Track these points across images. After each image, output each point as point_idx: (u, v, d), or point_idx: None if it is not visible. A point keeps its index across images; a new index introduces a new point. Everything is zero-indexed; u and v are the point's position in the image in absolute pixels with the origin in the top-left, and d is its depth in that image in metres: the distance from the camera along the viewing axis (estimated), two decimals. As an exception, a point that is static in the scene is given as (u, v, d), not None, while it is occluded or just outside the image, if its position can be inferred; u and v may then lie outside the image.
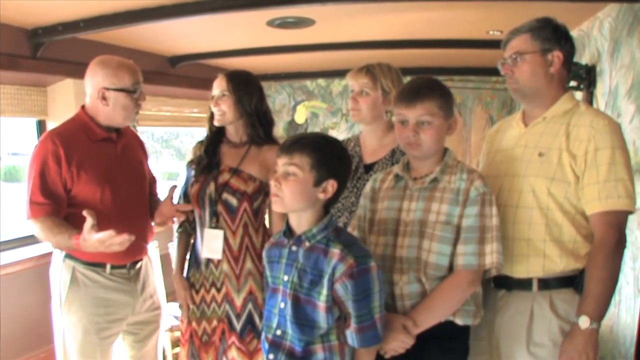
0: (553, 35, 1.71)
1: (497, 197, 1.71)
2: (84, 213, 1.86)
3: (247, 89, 2.14)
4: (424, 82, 1.70)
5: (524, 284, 1.71)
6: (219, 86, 2.15)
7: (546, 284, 1.70)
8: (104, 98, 2.07)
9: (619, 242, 1.62)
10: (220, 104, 2.13)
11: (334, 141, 1.57)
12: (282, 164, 1.49)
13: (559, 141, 1.68)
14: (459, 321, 1.63)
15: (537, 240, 1.69)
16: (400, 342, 1.56)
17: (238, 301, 2.11)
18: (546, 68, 1.71)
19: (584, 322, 1.59)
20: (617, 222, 1.63)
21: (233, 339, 2.11)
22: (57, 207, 2.01)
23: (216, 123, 2.17)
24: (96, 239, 1.86)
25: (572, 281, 1.69)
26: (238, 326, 2.11)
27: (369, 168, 2.11)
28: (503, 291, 1.77)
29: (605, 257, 1.60)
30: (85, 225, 1.87)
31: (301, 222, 1.52)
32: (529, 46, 1.71)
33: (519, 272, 1.71)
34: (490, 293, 1.79)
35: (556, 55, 1.71)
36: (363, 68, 2.12)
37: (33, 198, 1.98)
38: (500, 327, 1.76)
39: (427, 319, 1.58)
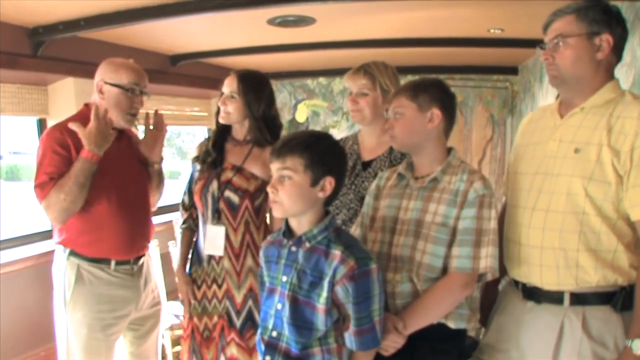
0: (603, 16, 1.50)
1: (525, 198, 1.62)
2: (70, 125, 1.98)
3: (257, 94, 2.13)
4: (408, 82, 1.73)
5: (555, 297, 1.55)
6: (229, 85, 2.14)
7: (580, 298, 1.52)
8: (101, 91, 2.12)
9: None
10: (227, 104, 2.13)
11: (324, 136, 1.54)
12: (275, 169, 1.46)
13: (599, 135, 1.48)
14: (452, 324, 1.60)
15: (570, 249, 1.51)
16: (391, 342, 1.54)
17: (238, 298, 2.12)
18: (592, 53, 1.51)
19: (639, 347, 1.39)
20: None
21: (232, 335, 2.11)
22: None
23: (221, 120, 2.18)
24: (93, 122, 1.97)
25: (610, 298, 1.50)
26: (238, 322, 2.11)
27: (366, 165, 2.10)
28: (532, 303, 1.61)
29: None
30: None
31: (301, 222, 1.50)
32: (574, 28, 1.51)
33: (549, 284, 1.55)
34: (518, 304, 1.66)
35: (605, 40, 1.50)
36: (360, 69, 2.10)
37: (39, 181, 1.99)
38: (526, 343, 1.61)
39: (418, 321, 1.55)
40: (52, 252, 2.18)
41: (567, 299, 1.53)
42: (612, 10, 1.53)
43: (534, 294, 1.61)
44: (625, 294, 1.48)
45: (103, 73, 2.12)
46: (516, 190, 1.68)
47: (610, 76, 1.57)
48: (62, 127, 2.07)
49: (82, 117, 2.14)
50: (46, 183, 1.98)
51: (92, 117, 1.97)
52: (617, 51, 1.55)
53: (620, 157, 1.45)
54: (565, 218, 1.52)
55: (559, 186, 1.54)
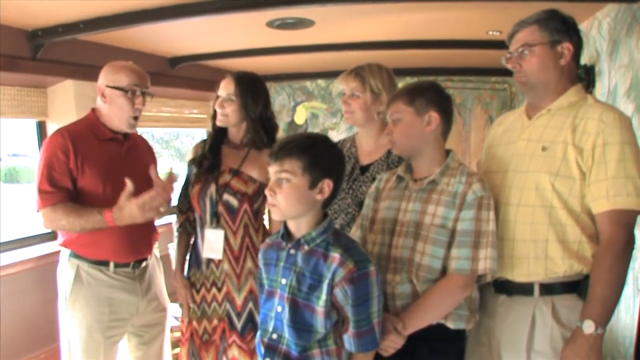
0: (562, 26, 1.63)
1: (497, 195, 1.68)
2: (126, 180, 1.95)
3: (254, 96, 2.14)
4: (404, 86, 1.76)
5: (525, 289, 1.64)
6: (226, 88, 2.15)
7: (548, 289, 1.62)
8: (103, 95, 2.14)
9: (628, 243, 1.53)
10: (225, 107, 2.14)
11: (322, 139, 1.54)
12: (273, 171, 1.46)
13: (564, 134, 1.60)
14: (451, 325, 1.61)
15: (540, 240, 1.61)
16: (390, 342, 1.55)
17: (239, 300, 2.12)
18: (556, 60, 1.64)
19: (589, 327, 1.51)
20: (626, 222, 1.53)
21: (234, 337, 2.11)
22: (66, 195, 2.04)
23: (218, 123, 2.18)
24: (136, 203, 1.95)
25: (575, 286, 1.61)
26: (239, 325, 2.12)
27: (364, 169, 2.11)
28: (503, 296, 1.70)
29: (613, 259, 1.52)
30: (122, 194, 1.96)
31: (300, 225, 1.50)
32: (538, 37, 1.63)
33: (520, 275, 1.64)
34: (490, 298, 1.74)
35: (566, 47, 1.63)
36: (352, 71, 2.13)
37: (41, 187, 2.02)
38: (501, 334, 1.70)
39: (417, 322, 1.57)
40: (52, 254, 2.19)
41: (536, 290, 1.63)
42: (569, 20, 1.66)
43: (504, 287, 1.69)
44: (587, 283, 1.58)
45: (104, 76, 2.14)
46: None
47: (573, 81, 1.69)
48: (64, 131, 2.10)
49: (88, 122, 2.17)
50: (48, 194, 2.01)
51: (153, 194, 1.96)
52: (576, 58, 1.69)
53: (583, 154, 1.57)
54: (535, 211, 1.62)
55: (528, 182, 1.64)
